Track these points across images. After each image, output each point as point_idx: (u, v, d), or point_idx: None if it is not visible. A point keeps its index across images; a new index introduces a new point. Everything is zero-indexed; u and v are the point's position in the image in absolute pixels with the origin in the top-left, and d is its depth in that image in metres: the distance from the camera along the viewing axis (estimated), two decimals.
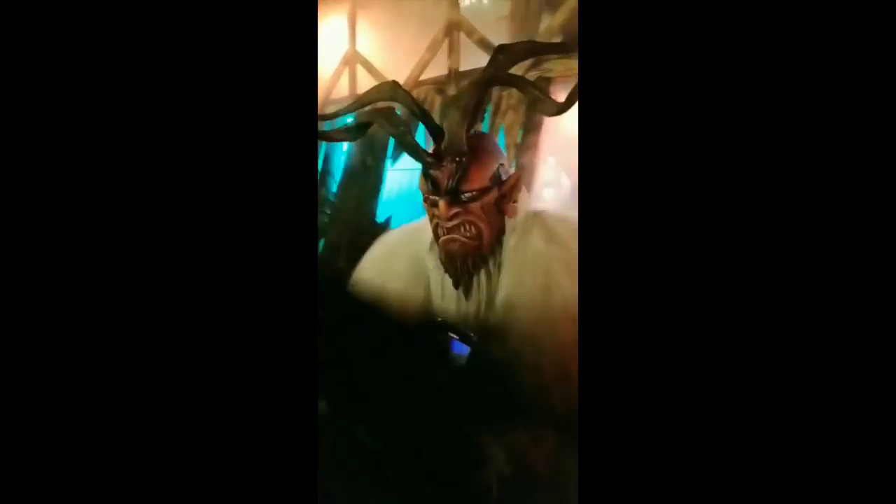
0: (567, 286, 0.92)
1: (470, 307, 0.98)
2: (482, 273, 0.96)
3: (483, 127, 3.00)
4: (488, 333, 0.97)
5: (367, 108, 1.11)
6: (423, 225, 1.08)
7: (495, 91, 3.05)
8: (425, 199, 1.02)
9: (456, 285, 0.99)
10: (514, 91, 2.93)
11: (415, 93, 3.44)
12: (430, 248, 1.05)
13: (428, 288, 1.07)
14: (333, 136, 1.47)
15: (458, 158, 0.93)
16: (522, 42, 1.19)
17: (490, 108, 3.02)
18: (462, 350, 0.95)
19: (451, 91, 3.30)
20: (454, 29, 3.34)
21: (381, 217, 3.33)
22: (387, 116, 1.01)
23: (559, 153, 3.08)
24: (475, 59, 3.36)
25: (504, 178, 1.01)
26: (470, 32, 3.28)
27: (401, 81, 3.42)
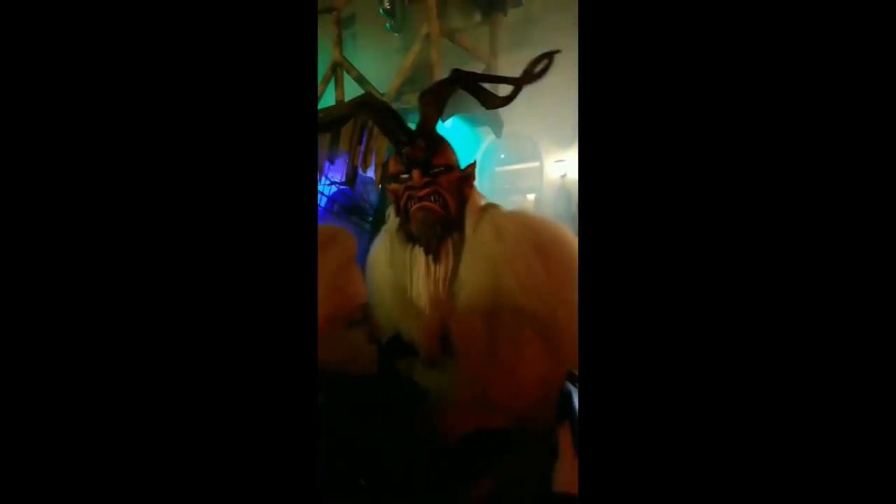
0: (507, 276, 1.04)
1: (439, 273, 1.09)
2: (449, 241, 1.08)
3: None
4: (448, 312, 1.05)
5: (348, 104, 1.33)
6: (382, 237, 1.24)
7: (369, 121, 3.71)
8: (395, 178, 1.12)
9: (427, 251, 1.09)
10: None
11: None
12: (397, 232, 1.16)
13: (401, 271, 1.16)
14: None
15: (430, 138, 1.10)
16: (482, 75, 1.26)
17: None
18: None
19: None
20: (338, 67, 3.99)
21: None
22: (366, 108, 1.22)
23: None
24: (356, 91, 4.02)
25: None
26: (349, 70, 3.93)
27: None
